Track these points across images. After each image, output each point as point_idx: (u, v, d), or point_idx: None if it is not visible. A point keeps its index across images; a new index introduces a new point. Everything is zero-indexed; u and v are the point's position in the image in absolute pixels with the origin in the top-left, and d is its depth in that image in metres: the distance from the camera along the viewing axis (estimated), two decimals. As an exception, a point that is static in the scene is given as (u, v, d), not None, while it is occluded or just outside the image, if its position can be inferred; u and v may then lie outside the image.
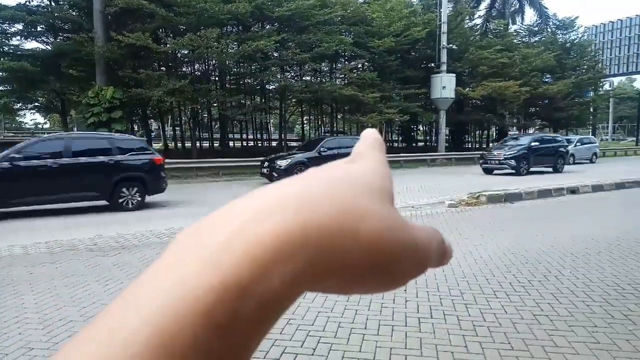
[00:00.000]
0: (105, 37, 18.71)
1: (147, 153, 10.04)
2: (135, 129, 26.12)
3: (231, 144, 29.61)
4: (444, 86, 26.17)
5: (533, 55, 31.20)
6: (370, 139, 0.28)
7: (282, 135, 28.83)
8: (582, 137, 27.63)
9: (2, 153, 8.61)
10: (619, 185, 12.16)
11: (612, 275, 4.66)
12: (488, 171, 18.12)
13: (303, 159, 14.83)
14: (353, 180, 0.23)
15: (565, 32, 40.17)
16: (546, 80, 35.01)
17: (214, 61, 22.30)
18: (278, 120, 30.51)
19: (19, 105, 24.52)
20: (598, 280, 4.51)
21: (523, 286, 4.36)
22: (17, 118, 49.13)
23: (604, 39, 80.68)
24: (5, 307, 4.00)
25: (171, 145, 27.89)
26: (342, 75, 26.41)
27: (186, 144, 26.76)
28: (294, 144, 32.61)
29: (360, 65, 27.63)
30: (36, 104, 24.77)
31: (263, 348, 3.12)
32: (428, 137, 36.60)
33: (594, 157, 26.00)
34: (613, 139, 65.06)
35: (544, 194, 10.70)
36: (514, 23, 41.97)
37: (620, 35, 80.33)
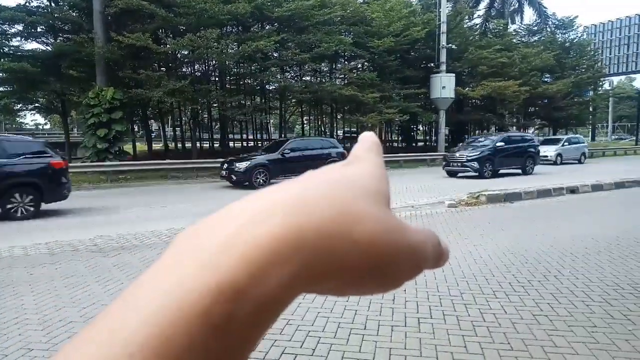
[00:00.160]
0: (105, 38, 18.71)
1: (45, 156, 9.04)
2: (136, 129, 26.12)
3: (231, 144, 29.62)
4: (444, 86, 26.16)
5: (532, 54, 31.21)
6: (367, 142, 0.28)
7: (282, 135, 28.84)
8: (570, 136, 27.15)
9: None
10: (619, 185, 12.17)
11: (611, 275, 4.66)
12: (451, 174, 16.87)
13: (264, 162, 14.05)
14: (350, 183, 0.23)
15: (564, 31, 40.20)
16: (545, 79, 35.01)
17: (214, 61, 22.29)
18: (278, 121, 30.51)
19: (19, 106, 24.50)
20: (597, 280, 4.51)
21: (522, 286, 4.36)
22: (18, 119, 49.15)
23: (603, 38, 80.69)
24: (5, 308, 4.00)
25: (171, 145, 27.90)
26: (342, 76, 26.41)
27: (186, 145, 26.76)
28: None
29: (359, 65, 27.63)
30: (36, 104, 24.75)
31: (263, 348, 3.12)
32: (428, 137, 36.60)
33: (583, 157, 25.35)
34: (622, 138, 65.02)
35: (544, 193, 10.70)
36: (513, 23, 42.02)
37: (620, 35, 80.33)
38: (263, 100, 26.63)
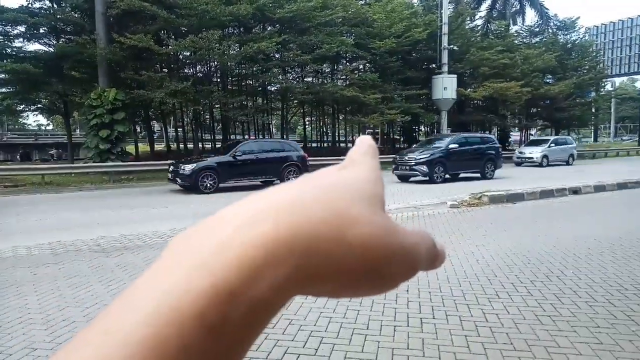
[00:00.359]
0: (107, 39, 18.76)
1: None
2: (138, 130, 26.16)
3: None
4: (445, 87, 26.13)
5: (534, 55, 31.17)
6: (364, 146, 0.28)
7: (284, 136, 28.86)
8: (557, 137, 26.78)
9: None
10: (621, 186, 12.15)
11: (614, 275, 4.65)
12: (402, 178, 15.41)
13: (212, 164, 13.12)
14: (345, 186, 0.23)
15: (566, 32, 40.14)
16: (547, 80, 34.97)
17: (215, 63, 22.33)
18: (280, 122, 30.52)
19: (22, 106, 24.54)
20: (601, 280, 4.50)
21: (525, 287, 4.35)
22: (20, 120, 49.30)
23: (605, 39, 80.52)
24: (9, 308, 4.02)
25: (173, 146, 27.94)
26: (344, 77, 26.44)
27: (188, 145, 26.80)
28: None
29: (361, 66, 27.64)
30: (39, 105, 24.80)
31: (265, 348, 3.13)
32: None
33: (571, 158, 24.98)
34: (626, 139, 64.80)
35: (546, 194, 10.69)
36: (514, 24, 41.98)
37: (622, 36, 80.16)
38: (265, 101, 26.65)
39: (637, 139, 51.78)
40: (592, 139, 58.47)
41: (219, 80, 24.22)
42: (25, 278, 4.91)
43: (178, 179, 13.10)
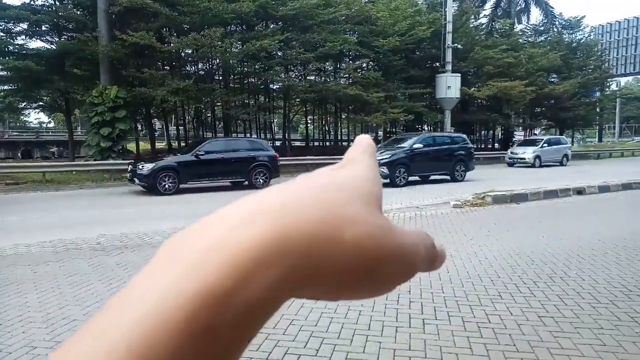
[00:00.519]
0: (109, 36, 18.75)
1: None
2: (139, 128, 26.18)
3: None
4: (449, 86, 26.06)
5: (539, 55, 31.05)
6: (362, 145, 0.28)
7: (286, 134, 28.84)
8: (550, 137, 26.25)
9: None
10: (626, 186, 12.09)
11: (618, 276, 4.62)
12: None
13: (172, 164, 12.53)
14: (341, 186, 0.23)
15: (571, 31, 39.98)
16: (552, 80, 34.85)
17: (217, 60, 22.31)
18: (282, 120, 30.50)
19: (23, 104, 24.58)
20: (604, 281, 4.46)
21: (528, 287, 4.32)
22: (22, 117, 49.38)
23: (610, 38, 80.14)
24: (9, 306, 4.01)
25: (175, 144, 27.95)
26: (347, 75, 26.36)
27: (190, 144, 26.79)
28: (297, 143, 32.64)
29: (364, 65, 27.55)
30: (40, 103, 24.84)
31: (266, 348, 3.11)
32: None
33: (565, 159, 24.44)
34: (638, 140, 64.51)
35: (550, 194, 10.64)
36: (519, 22, 41.84)
37: (628, 35, 79.77)
38: (267, 100, 26.62)
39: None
40: (596, 139, 58.21)
41: (221, 78, 24.21)
42: (25, 276, 4.91)
43: (136, 179, 12.47)
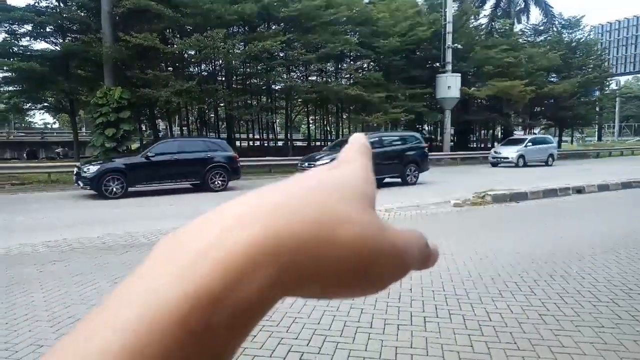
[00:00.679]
0: (113, 38, 18.82)
1: None
2: (143, 128, 26.26)
3: (237, 143, 29.74)
4: (449, 86, 26.10)
5: (539, 54, 31.05)
6: (356, 144, 0.28)
7: (288, 135, 28.90)
8: (535, 136, 25.49)
9: None
10: (626, 185, 12.11)
11: (618, 275, 4.65)
12: None
13: (119, 166, 11.86)
14: (334, 186, 0.23)
15: (571, 31, 39.91)
16: (552, 79, 34.83)
17: (220, 61, 22.37)
18: (284, 120, 30.55)
19: (28, 105, 24.68)
20: (604, 280, 4.50)
21: (529, 286, 4.35)
22: (27, 118, 49.52)
23: (610, 37, 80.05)
24: (16, 305, 4.05)
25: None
26: (348, 75, 26.42)
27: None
28: (299, 143, 32.67)
29: (365, 65, 27.63)
30: (45, 104, 24.90)
31: (269, 346, 3.15)
32: (433, 137, 36.51)
33: (550, 159, 23.51)
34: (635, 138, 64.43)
35: (550, 193, 10.67)
36: (519, 22, 41.79)
37: (627, 34, 79.66)
38: (269, 100, 26.68)
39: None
40: (596, 138, 58.16)
41: (223, 79, 24.26)
42: (31, 275, 4.95)
43: (80, 182, 11.71)
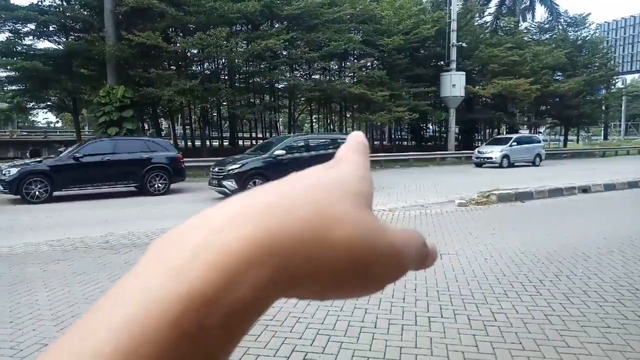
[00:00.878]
0: (116, 37, 18.87)
1: None
2: (146, 127, 26.34)
3: (241, 142, 29.77)
4: (454, 84, 26.03)
5: (544, 52, 30.90)
6: (354, 143, 0.28)
7: (292, 133, 28.88)
8: (520, 135, 24.69)
9: None
10: (632, 184, 12.03)
11: (625, 275, 4.61)
12: (222, 193, 11.02)
13: (42, 168, 11.04)
14: (329, 184, 0.23)
15: (576, 29, 39.74)
16: (557, 78, 34.67)
17: (223, 60, 22.41)
18: (287, 119, 30.55)
19: (31, 104, 24.79)
20: (611, 280, 4.46)
21: (534, 286, 4.32)
22: (30, 117, 49.73)
23: (616, 35, 79.57)
24: (20, 304, 4.06)
25: (181, 144, 28.08)
26: (351, 74, 26.40)
27: (196, 143, 26.91)
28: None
29: (369, 64, 27.58)
30: (48, 103, 25.02)
31: (273, 346, 3.13)
32: (438, 136, 36.46)
33: (538, 159, 22.65)
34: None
35: (555, 192, 10.61)
36: (524, 20, 41.68)
37: (634, 32, 79.14)
38: (272, 99, 26.69)
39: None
40: (602, 137, 57.85)
41: (226, 77, 24.30)
42: (35, 274, 4.96)
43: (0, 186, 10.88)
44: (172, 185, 12.84)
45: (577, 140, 47.90)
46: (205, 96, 21.02)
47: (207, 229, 0.20)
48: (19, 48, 20.83)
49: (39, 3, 21.09)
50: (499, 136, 26.48)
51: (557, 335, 3.27)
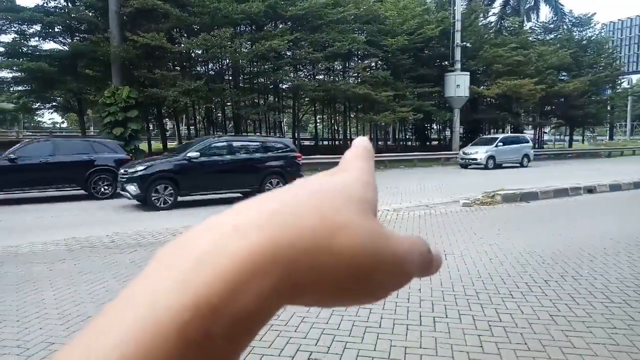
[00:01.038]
0: (121, 37, 18.95)
1: None
2: (151, 127, 26.45)
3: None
4: (458, 84, 25.95)
5: (549, 52, 30.76)
6: (359, 148, 0.27)
7: (296, 134, 28.92)
8: (506, 135, 24.14)
9: None
10: (638, 185, 11.97)
11: (631, 275, 4.59)
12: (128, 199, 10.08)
13: None
14: (332, 191, 0.23)
15: (581, 29, 39.56)
16: (562, 78, 34.51)
17: (227, 60, 22.45)
18: (291, 119, 30.58)
19: (37, 104, 24.98)
20: (617, 281, 4.44)
21: (540, 286, 4.31)
22: (36, 117, 50.01)
23: (622, 35, 79.14)
24: (26, 303, 4.09)
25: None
26: (355, 74, 26.38)
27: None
28: (307, 142, 32.70)
29: (373, 64, 27.53)
30: (54, 103, 25.20)
31: (278, 345, 3.14)
32: (442, 136, 36.38)
33: (526, 159, 22.07)
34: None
35: (561, 193, 10.57)
36: (528, 20, 41.54)
37: (639, 32, 78.69)
38: (276, 99, 26.71)
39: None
40: (607, 137, 57.54)
41: (230, 78, 24.33)
42: (41, 274, 4.99)
43: None
44: None
45: (583, 141, 47.69)
46: (209, 97, 21.07)
47: (213, 237, 0.20)
48: (25, 49, 20.98)
49: (45, 4, 21.24)
50: (485, 136, 25.90)
51: (562, 335, 3.26)
